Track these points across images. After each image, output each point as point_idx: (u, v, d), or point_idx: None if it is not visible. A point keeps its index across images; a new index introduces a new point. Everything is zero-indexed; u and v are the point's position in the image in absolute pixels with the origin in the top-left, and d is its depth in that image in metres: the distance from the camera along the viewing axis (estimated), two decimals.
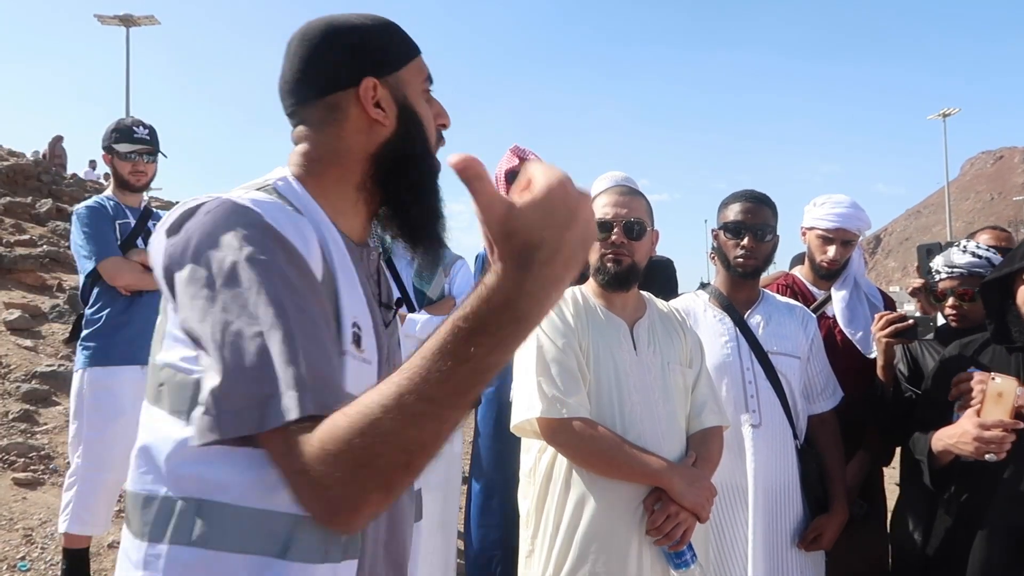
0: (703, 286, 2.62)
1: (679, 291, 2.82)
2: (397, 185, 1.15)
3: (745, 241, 2.40)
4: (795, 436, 2.41)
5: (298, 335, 0.90)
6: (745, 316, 2.45)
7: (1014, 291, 2.14)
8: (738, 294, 2.49)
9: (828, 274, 2.80)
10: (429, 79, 1.22)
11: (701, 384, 2.10)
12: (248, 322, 0.90)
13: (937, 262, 2.53)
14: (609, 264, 2.05)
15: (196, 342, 0.94)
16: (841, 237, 2.74)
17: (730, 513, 2.27)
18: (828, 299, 2.80)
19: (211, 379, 0.90)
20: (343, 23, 1.16)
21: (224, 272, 0.93)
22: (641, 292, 2.19)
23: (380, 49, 1.16)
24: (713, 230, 2.56)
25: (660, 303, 2.23)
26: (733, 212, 2.45)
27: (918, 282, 2.90)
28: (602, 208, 2.10)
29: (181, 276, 0.96)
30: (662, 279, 2.95)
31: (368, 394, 0.85)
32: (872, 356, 2.65)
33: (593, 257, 2.10)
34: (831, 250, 2.74)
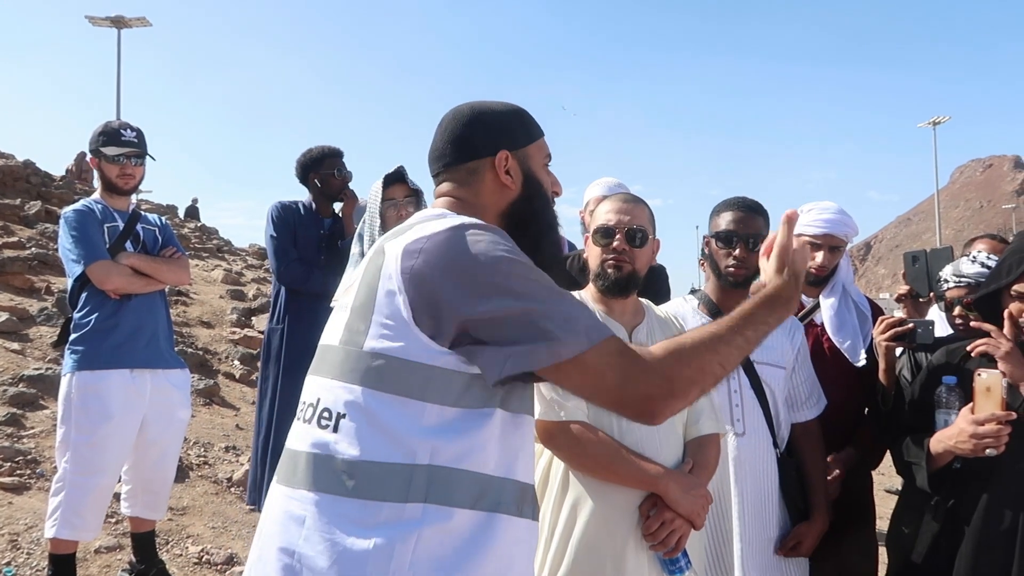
0: (694, 292, 2.62)
1: (671, 298, 2.82)
2: (522, 236, 1.43)
3: (736, 251, 2.38)
4: (775, 445, 2.41)
5: (571, 296, 1.32)
6: None
7: (1002, 305, 2.15)
8: (728, 302, 2.47)
9: (816, 281, 2.79)
10: (548, 156, 1.54)
11: None
12: (537, 289, 1.26)
13: (946, 271, 2.55)
14: (610, 270, 2.06)
15: (479, 317, 1.23)
16: (828, 243, 2.74)
17: (714, 521, 2.26)
18: (816, 306, 2.81)
19: (533, 326, 1.22)
20: (487, 107, 1.49)
21: (503, 260, 1.26)
22: (639, 299, 2.18)
23: (513, 129, 1.48)
24: (704, 237, 2.55)
25: (658, 309, 2.23)
26: (725, 220, 2.44)
27: (904, 288, 2.92)
28: (604, 215, 2.10)
29: (456, 270, 1.25)
30: (656, 285, 2.95)
31: (698, 331, 1.34)
32: (860, 364, 2.66)
33: (594, 263, 2.10)
34: (819, 256, 2.74)
